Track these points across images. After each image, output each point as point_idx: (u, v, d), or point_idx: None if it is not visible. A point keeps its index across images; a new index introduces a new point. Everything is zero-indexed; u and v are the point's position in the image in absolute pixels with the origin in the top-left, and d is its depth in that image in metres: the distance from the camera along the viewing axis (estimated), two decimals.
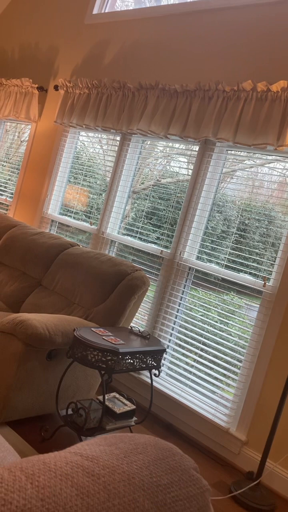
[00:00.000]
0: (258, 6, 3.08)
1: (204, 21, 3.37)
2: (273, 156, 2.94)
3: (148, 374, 3.27)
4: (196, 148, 3.29)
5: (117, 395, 2.69)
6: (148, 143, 3.72)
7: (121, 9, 4.24)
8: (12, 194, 4.79)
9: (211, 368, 3.02)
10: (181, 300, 3.25)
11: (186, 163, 3.46)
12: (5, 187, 4.92)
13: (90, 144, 4.20)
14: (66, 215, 4.24)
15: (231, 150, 3.14)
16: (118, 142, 3.82)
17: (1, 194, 4.94)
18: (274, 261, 2.83)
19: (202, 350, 3.08)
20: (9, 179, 4.90)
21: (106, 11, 4.25)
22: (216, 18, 3.30)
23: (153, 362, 2.57)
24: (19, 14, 5.07)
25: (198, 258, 3.21)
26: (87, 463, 0.68)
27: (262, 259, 2.90)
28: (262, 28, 3.03)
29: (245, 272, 2.95)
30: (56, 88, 4.22)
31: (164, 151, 3.64)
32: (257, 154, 3.02)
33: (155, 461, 0.75)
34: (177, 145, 3.53)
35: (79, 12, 4.36)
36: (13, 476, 0.61)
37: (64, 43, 4.45)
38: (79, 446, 0.76)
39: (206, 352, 3.06)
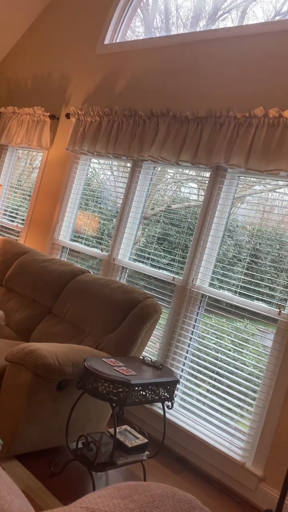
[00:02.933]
0: (268, 34, 3.10)
1: (213, 49, 3.40)
2: (284, 182, 2.91)
3: (161, 405, 3.18)
4: (207, 174, 3.27)
5: (129, 428, 2.61)
6: (159, 169, 3.72)
7: (131, 39, 4.30)
8: (23, 220, 4.80)
9: (225, 399, 2.92)
10: (193, 328, 3.18)
11: (197, 189, 3.44)
12: (16, 213, 4.93)
13: (101, 171, 4.21)
14: (77, 241, 4.23)
15: (243, 176, 3.11)
16: (129, 169, 3.82)
17: (12, 221, 4.96)
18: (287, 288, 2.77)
19: (215, 379, 3.00)
20: (20, 205, 4.92)
21: (117, 41, 4.32)
22: (226, 46, 3.32)
23: (166, 394, 2.49)
24: (33, 45, 5.18)
25: (210, 285, 3.16)
26: None
27: (276, 286, 2.83)
28: (272, 55, 3.04)
29: (258, 300, 2.88)
30: (67, 116, 4.26)
31: (175, 177, 3.63)
32: (270, 180, 2.99)
33: None
34: (187, 171, 3.52)
35: (91, 42, 4.44)
36: None
37: (76, 73, 4.52)
38: (90, 499, 0.70)
39: (219, 382, 2.97)
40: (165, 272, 3.41)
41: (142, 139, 3.55)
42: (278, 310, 2.75)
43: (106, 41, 4.31)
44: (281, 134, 2.75)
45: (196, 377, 3.11)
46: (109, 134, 3.81)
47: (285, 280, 2.81)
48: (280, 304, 2.78)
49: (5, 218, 5.08)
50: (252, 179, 3.08)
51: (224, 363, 2.97)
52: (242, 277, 2.99)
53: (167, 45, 3.75)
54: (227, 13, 3.76)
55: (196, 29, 3.82)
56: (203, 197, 3.26)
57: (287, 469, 2.40)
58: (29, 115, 4.72)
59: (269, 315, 2.78)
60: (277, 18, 3.36)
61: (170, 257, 3.43)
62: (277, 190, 2.98)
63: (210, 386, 3.02)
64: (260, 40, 3.14)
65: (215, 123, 3.10)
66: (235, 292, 3.00)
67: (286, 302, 2.77)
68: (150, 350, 3.37)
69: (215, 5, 3.76)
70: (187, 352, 3.19)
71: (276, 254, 2.88)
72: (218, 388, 2.97)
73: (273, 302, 2.82)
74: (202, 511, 0.73)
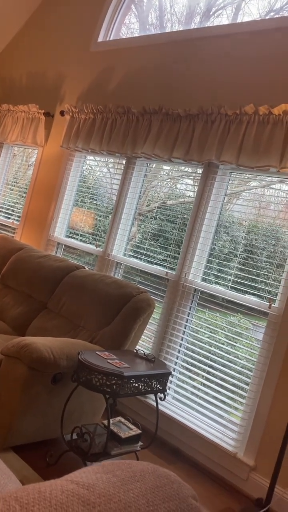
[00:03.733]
0: (260, 32, 3.14)
1: (206, 47, 3.44)
2: (278, 178, 2.96)
3: (154, 397, 3.24)
4: (201, 170, 3.32)
5: (123, 419, 2.66)
6: (154, 166, 3.76)
7: (126, 36, 4.34)
8: (19, 217, 4.84)
9: (218, 391, 2.98)
10: (187, 322, 3.24)
11: (192, 185, 3.49)
12: (12, 210, 4.97)
13: (97, 167, 4.25)
14: (72, 237, 4.27)
15: (234, 173, 3.16)
16: (123, 166, 3.87)
17: (8, 217, 5.00)
18: (280, 282, 2.82)
19: (208, 372, 3.05)
20: (16, 202, 4.96)
21: (111, 38, 4.35)
22: (218, 44, 3.37)
23: (158, 386, 2.55)
24: (27, 42, 5.21)
25: (203, 279, 3.21)
26: (83, 492, 0.68)
27: (268, 281, 2.89)
28: (263, 52, 3.09)
29: (251, 294, 2.94)
30: (62, 113, 4.30)
31: (170, 174, 3.67)
32: (261, 176, 3.04)
33: (153, 489, 0.75)
34: (182, 167, 3.56)
35: (85, 40, 4.47)
36: (7, 506, 0.61)
37: (70, 70, 4.55)
38: (76, 474, 0.76)
39: (213, 374, 3.03)
40: (159, 267, 3.46)
41: (135, 136, 3.60)
42: (269, 303, 2.81)
43: (100, 39, 4.34)
44: (271, 131, 2.80)
45: (190, 370, 3.17)
46: (103, 131, 3.85)
47: (277, 275, 2.86)
48: (270, 298, 2.83)
49: (1, 215, 5.11)
50: (246, 175, 3.13)
51: (217, 356, 3.03)
52: (236, 272, 3.04)
53: (160, 43, 3.79)
54: (221, 10, 3.80)
55: (190, 26, 3.86)
56: (196, 193, 3.31)
57: (277, 458, 2.47)
58: (24, 112, 4.75)
59: (260, 308, 2.84)
60: (271, 14, 3.40)
61: (165, 253, 3.48)
62: (271, 186, 3.03)
63: (203, 378, 3.08)
64: (252, 37, 3.18)
65: (206, 120, 3.14)
66: (228, 287, 3.06)
67: (276, 295, 2.82)
68: (145, 344, 3.42)
69: (209, 2, 3.80)
70: (180, 346, 3.25)
71: (272, 250, 2.94)
72: (212, 381, 3.02)
73: (264, 296, 2.88)
74: (180, 485, 0.78)
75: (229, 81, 3.24)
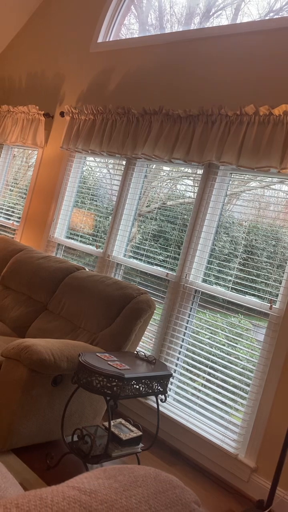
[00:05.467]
0: (259, 32, 3.14)
1: (206, 48, 3.44)
2: (278, 178, 2.96)
3: (155, 399, 3.23)
4: (201, 171, 3.32)
5: (123, 421, 2.66)
6: (154, 167, 3.76)
7: (125, 36, 4.33)
8: (19, 218, 4.83)
9: (218, 393, 2.97)
10: (187, 323, 3.23)
11: (192, 186, 3.48)
12: (12, 211, 4.97)
13: (97, 168, 4.25)
14: (72, 238, 4.27)
15: (235, 173, 3.16)
16: (123, 167, 3.86)
17: (8, 219, 4.99)
18: (280, 283, 2.82)
19: (209, 374, 3.05)
20: (16, 203, 4.96)
21: (111, 39, 4.35)
22: (218, 45, 3.36)
23: (159, 387, 2.54)
24: (26, 44, 5.21)
25: (204, 280, 3.20)
26: (84, 498, 0.67)
27: (268, 281, 2.88)
28: (263, 53, 3.08)
29: (251, 295, 2.93)
30: (62, 114, 4.29)
31: (170, 174, 3.67)
32: (261, 177, 3.04)
33: (155, 495, 0.74)
34: (182, 168, 3.56)
35: (84, 40, 4.47)
36: None
37: (70, 71, 4.55)
38: (77, 479, 0.75)
39: (213, 376, 3.02)
40: (159, 268, 3.46)
41: (136, 137, 3.59)
42: (270, 304, 2.80)
43: (100, 39, 4.34)
44: (271, 132, 2.79)
45: (190, 372, 3.16)
46: (103, 132, 3.84)
47: (277, 275, 2.86)
48: (271, 299, 2.83)
49: (1, 216, 5.11)
50: (246, 175, 3.12)
51: (218, 357, 3.02)
52: (236, 273, 3.03)
53: (160, 43, 3.78)
54: (221, 10, 3.80)
55: (190, 26, 3.85)
56: (196, 194, 3.30)
57: (278, 460, 2.46)
58: (24, 113, 4.75)
59: (260, 309, 2.83)
60: (271, 15, 3.40)
61: (166, 254, 3.47)
62: (271, 187, 3.02)
63: (204, 380, 3.07)
64: (252, 38, 3.18)
65: (207, 121, 3.14)
66: (228, 288, 3.05)
67: (277, 296, 2.82)
68: (145, 345, 3.42)
69: (209, 3, 3.80)
70: (181, 347, 3.24)
71: (271, 250, 2.93)
72: (213, 382, 3.02)
73: (265, 297, 2.87)
74: (182, 490, 0.78)
75: (229, 81, 3.23)
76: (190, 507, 0.75)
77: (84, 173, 4.33)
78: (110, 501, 0.68)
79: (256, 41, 3.14)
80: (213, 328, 3.09)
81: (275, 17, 3.32)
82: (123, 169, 3.85)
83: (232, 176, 3.18)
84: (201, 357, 3.10)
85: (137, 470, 0.80)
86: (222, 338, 3.04)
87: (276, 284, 2.84)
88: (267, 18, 3.38)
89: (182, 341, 3.24)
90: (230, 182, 3.20)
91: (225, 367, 2.97)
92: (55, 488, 0.71)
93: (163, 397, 2.95)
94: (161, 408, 3.14)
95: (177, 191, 3.63)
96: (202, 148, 3.13)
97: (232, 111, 2.99)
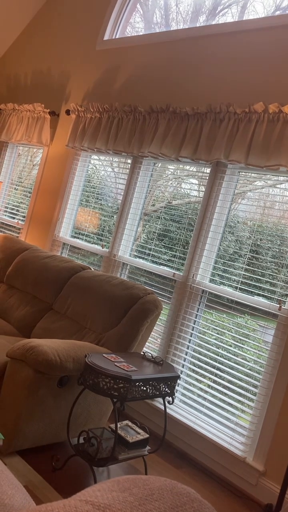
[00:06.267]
0: (267, 29, 3.09)
1: (213, 45, 3.39)
2: (285, 177, 2.91)
3: (162, 400, 3.19)
4: (207, 170, 3.27)
5: (130, 423, 2.62)
6: (159, 166, 3.72)
7: (131, 34, 4.29)
8: (24, 217, 4.80)
9: (226, 394, 2.93)
10: (194, 324, 3.19)
11: (197, 185, 3.44)
12: (17, 210, 4.94)
13: (102, 167, 4.21)
14: (77, 237, 4.23)
15: (243, 172, 3.11)
16: (129, 165, 3.82)
17: (13, 217, 4.96)
18: None
19: (216, 375, 3.01)
20: (21, 202, 4.93)
21: (117, 37, 4.31)
22: (225, 42, 3.31)
23: (166, 389, 2.50)
24: (32, 41, 5.17)
25: (211, 280, 3.16)
26: None
27: (276, 281, 2.83)
28: (271, 50, 3.03)
29: (259, 295, 2.89)
30: (67, 112, 4.25)
31: (175, 173, 3.63)
32: (268, 175, 2.99)
33: (172, 509, 0.70)
34: (188, 167, 3.52)
35: (90, 38, 4.43)
36: None
37: (76, 69, 4.51)
38: (90, 492, 0.71)
39: (220, 377, 2.98)
40: (165, 268, 3.42)
41: (142, 135, 3.55)
42: (279, 305, 2.75)
43: (106, 37, 4.30)
44: (281, 130, 2.74)
45: (197, 373, 3.12)
46: (109, 130, 3.80)
47: (286, 276, 2.81)
48: (280, 300, 2.78)
49: (6, 215, 5.08)
50: (252, 174, 3.08)
51: (225, 358, 2.98)
52: (243, 272, 2.99)
53: (166, 41, 3.74)
54: (227, 8, 3.75)
55: (196, 24, 3.81)
56: (203, 193, 3.26)
57: (287, 464, 2.41)
58: (29, 111, 4.71)
59: (269, 310, 2.79)
60: (278, 13, 3.35)
61: (171, 253, 3.43)
62: (277, 186, 2.98)
63: (211, 381, 3.03)
64: (260, 35, 3.13)
65: (215, 119, 3.09)
66: (236, 288, 3.01)
67: (286, 297, 2.77)
68: (151, 346, 3.38)
69: (215, 0, 3.75)
70: (188, 348, 3.20)
71: (277, 250, 2.89)
72: (219, 384, 2.97)
73: (274, 298, 2.83)
74: (201, 504, 0.74)
75: (237, 79, 3.19)
76: None
77: (89, 171, 4.29)
78: None
79: (263, 39, 3.09)
80: (219, 329, 3.05)
81: (283, 14, 3.26)
82: (129, 168, 3.81)
83: (240, 174, 3.13)
84: (208, 358, 3.06)
85: (152, 481, 0.76)
86: (229, 339, 3.00)
87: (286, 285, 2.79)
88: (274, 15, 3.33)
89: (189, 342, 3.20)
90: (238, 181, 3.15)
91: (232, 368, 2.93)
92: (67, 502, 0.67)
93: (170, 399, 2.91)
94: (168, 410, 3.10)
95: (183, 190, 3.59)
96: (210, 146, 3.09)
97: (240, 108, 2.95)
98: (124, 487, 0.73)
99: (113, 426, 2.50)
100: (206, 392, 3.04)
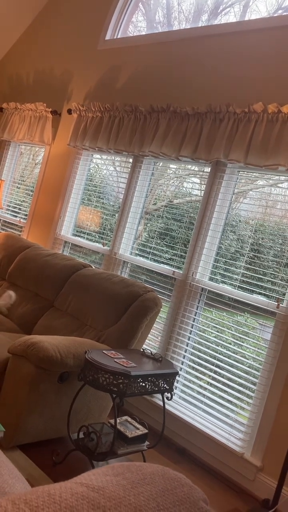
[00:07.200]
0: (268, 29, 3.12)
1: (213, 45, 3.42)
2: (286, 177, 2.94)
3: (161, 397, 3.23)
4: (208, 169, 3.30)
5: (129, 419, 2.66)
6: (160, 165, 3.75)
7: (133, 34, 4.32)
8: (26, 215, 4.84)
9: (224, 391, 2.97)
10: (194, 322, 3.22)
11: (199, 184, 3.47)
12: (19, 208, 4.98)
13: (103, 166, 4.25)
14: (79, 236, 4.27)
15: (243, 171, 3.14)
16: (130, 164, 3.86)
17: (15, 216, 5.00)
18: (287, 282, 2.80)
19: (215, 372, 3.04)
20: (23, 201, 4.97)
21: (119, 36, 4.34)
22: (226, 42, 3.34)
23: (165, 385, 2.54)
24: (34, 41, 5.21)
25: (211, 279, 3.19)
26: (92, 495, 0.67)
27: (276, 280, 2.87)
28: (272, 50, 3.06)
29: (258, 293, 2.92)
30: (69, 112, 4.29)
31: (176, 172, 3.66)
32: (268, 175, 3.02)
33: (163, 492, 0.74)
34: (189, 166, 3.55)
35: (92, 38, 4.46)
36: (17, 509, 0.60)
37: (78, 68, 4.54)
38: (85, 476, 0.75)
39: (219, 374, 3.01)
40: (166, 266, 3.45)
41: (143, 134, 3.59)
42: (277, 303, 2.79)
43: (108, 37, 4.33)
44: (280, 129, 2.77)
45: (196, 370, 3.16)
46: (110, 129, 3.84)
47: (284, 274, 2.84)
48: (278, 298, 2.81)
49: (8, 213, 5.12)
50: (253, 174, 3.11)
51: (224, 356, 3.01)
52: (243, 271, 3.02)
53: (168, 41, 3.77)
54: (229, 7, 3.78)
55: (198, 23, 3.83)
56: (203, 191, 3.29)
57: (284, 459, 2.45)
58: (31, 110, 4.75)
59: (267, 308, 2.82)
60: (280, 12, 3.38)
61: (172, 252, 3.46)
62: (279, 185, 3.01)
63: (210, 378, 3.06)
64: (260, 35, 3.16)
65: (214, 119, 3.12)
66: (235, 286, 3.04)
67: (284, 295, 2.80)
68: (151, 343, 3.41)
69: (217, 0, 3.77)
70: (187, 345, 3.24)
71: (279, 249, 2.92)
72: (219, 381, 3.01)
73: (272, 296, 2.86)
74: (190, 488, 0.77)
75: (237, 79, 3.22)
76: (198, 505, 0.75)
77: (91, 170, 4.33)
78: (118, 498, 0.68)
79: (264, 39, 3.12)
80: (219, 327, 3.09)
81: (284, 14, 3.29)
82: (130, 167, 3.84)
83: (239, 174, 3.17)
84: (207, 356, 3.10)
85: (145, 467, 0.80)
86: (228, 337, 3.03)
87: (283, 283, 2.82)
88: (275, 15, 3.36)
89: (188, 339, 3.23)
90: (238, 180, 3.18)
91: (231, 365, 2.96)
92: (63, 484, 0.71)
93: (169, 395, 2.95)
94: (166, 406, 3.14)
95: (184, 189, 3.62)
96: (210, 145, 3.12)
97: (240, 108, 2.98)
98: (118, 471, 0.77)
99: (112, 421, 2.54)
100: (205, 388, 3.08)
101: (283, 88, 2.95)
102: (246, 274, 3.00)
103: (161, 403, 3.20)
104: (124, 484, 0.72)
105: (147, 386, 2.43)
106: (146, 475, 0.76)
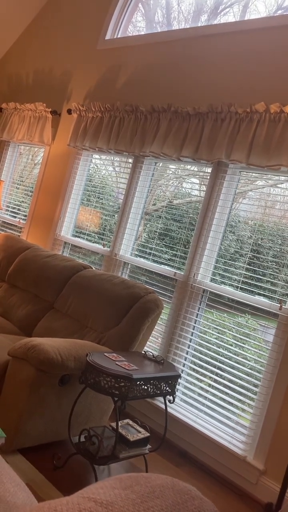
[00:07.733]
0: (268, 29, 3.09)
1: (214, 44, 3.40)
2: (286, 177, 2.91)
3: (163, 399, 3.20)
4: (209, 169, 3.28)
5: (131, 422, 2.63)
6: (160, 165, 3.72)
7: (133, 34, 4.29)
8: (25, 216, 4.81)
9: (226, 393, 2.94)
10: (195, 323, 3.20)
11: (199, 184, 3.45)
12: (18, 209, 4.95)
13: (103, 166, 4.22)
14: (79, 237, 4.24)
15: (244, 172, 3.12)
16: (130, 164, 3.83)
17: (15, 217, 4.97)
18: None
19: (217, 374, 3.02)
20: (22, 201, 4.93)
21: (119, 36, 4.31)
22: (227, 41, 3.32)
23: (167, 388, 2.51)
24: (34, 40, 5.18)
25: (212, 280, 3.17)
26: (101, 510, 0.64)
27: (277, 281, 2.84)
28: (273, 50, 3.04)
29: (260, 295, 2.89)
30: (69, 112, 4.26)
31: (176, 173, 3.63)
32: (269, 175, 3.00)
33: (174, 507, 0.71)
34: (189, 167, 3.52)
35: (92, 37, 4.44)
36: None
37: (77, 68, 4.52)
38: (92, 490, 0.72)
39: (221, 376, 2.99)
40: (166, 267, 3.43)
41: (144, 134, 3.56)
42: (279, 305, 2.76)
43: (107, 36, 4.30)
44: (282, 129, 2.75)
45: (197, 372, 3.13)
46: (111, 130, 3.81)
47: (287, 275, 2.82)
48: (281, 299, 2.79)
49: (7, 214, 5.09)
50: (253, 174, 3.08)
51: (225, 358, 2.99)
52: (244, 272, 3.00)
53: (168, 40, 3.74)
54: (228, 7, 3.76)
55: (197, 23, 3.81)
56: (204, 192, 3.27)
57: None
58: (31, 111, 4.72)
59: (270, 310, 2.80)
60: (279, 12, 3.35)
61: (172, 253, 3.44)
62: (279, 186, 2.98)
63: (211, 380, 3.04)
64: (261, 35, 3.14)
65: (216, 119, 3.10)
66: (237, 287, 3.01)
67: (287, 297, 2.78)
68: (152, 345, 3.39)
69: (216, 0, 3.75)
70: (188, 347, 3.21)
71: (278, 250, 2.89)
72: (220, 383, 2.99)
73: (275, 297, 2.83)
74: (201, 501, 0.75)
75: (239, 79, 3.19)
76: None
77: (91, 170, 4.30)
78: None
79: (265, 38, 3.10)
80: (220, 328, 3.06)
81: (284, 13, 3.27)
82: (130, 167, 3.81)
83: (241, 174, 3.14)
84: (209, 357, 3.07)
85: (154, 479, 0.77)
86: (230, 338, 3.01)
87: (286, 284, 2.80)
88: (275, 15, 3.33)
89: (190, 341, 3.21)
90: (239, 181, 3.16)
91: (232, 367, 2.94)
92: (70, 499, 0.68)
93: (171, 398, 2.92)
94: (168, 409, 3.11)
95: (184, 189, 3.59)
96: (211, 146, 3.10)
97: (242, 108, 2.95)
98: (126, 484, 0.74)
99: (114, 424, 2.51)
100: (206, 391, 3.05)
101: (285, 87, 2.92)
102: (247, 275, 2.98)
103: (162, 405, 3.17)
104: (134, 498, 0.69)
105: (149, 389, 2.40)
106: (155, 488, 0.74)
